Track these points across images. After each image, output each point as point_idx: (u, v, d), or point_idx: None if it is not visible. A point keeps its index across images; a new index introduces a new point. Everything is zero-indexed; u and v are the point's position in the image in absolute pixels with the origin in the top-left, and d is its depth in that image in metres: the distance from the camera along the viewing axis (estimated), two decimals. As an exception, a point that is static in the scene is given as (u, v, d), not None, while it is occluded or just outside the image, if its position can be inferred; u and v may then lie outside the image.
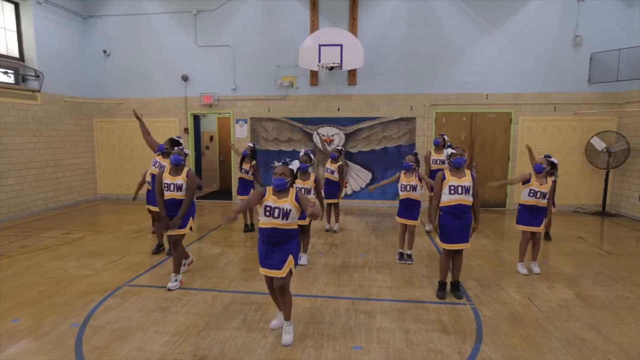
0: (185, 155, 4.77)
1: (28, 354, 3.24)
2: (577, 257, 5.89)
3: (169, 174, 4.61)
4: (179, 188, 4.55)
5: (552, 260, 5.76)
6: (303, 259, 5.50)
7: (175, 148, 4.81)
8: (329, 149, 8.11)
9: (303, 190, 5.34)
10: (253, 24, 9.80)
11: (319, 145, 9.95)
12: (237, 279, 4.95)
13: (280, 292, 3.43)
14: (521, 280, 4.96)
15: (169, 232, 4.58)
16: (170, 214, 4.57)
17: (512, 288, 4.69)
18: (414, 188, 5.45)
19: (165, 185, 4.57)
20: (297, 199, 3.35)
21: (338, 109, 9.86)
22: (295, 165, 3.52)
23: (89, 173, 10.54)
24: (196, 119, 11.57)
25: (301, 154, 5.55)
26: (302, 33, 9.54)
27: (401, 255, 5.72)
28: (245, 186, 7.19)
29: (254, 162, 7.19)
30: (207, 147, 12.87)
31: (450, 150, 4.44)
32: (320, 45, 9.02)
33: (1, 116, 8.02)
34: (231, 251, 6.10)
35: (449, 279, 4.54)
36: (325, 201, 7.42)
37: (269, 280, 3.50)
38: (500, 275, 5.14)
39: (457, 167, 4.32)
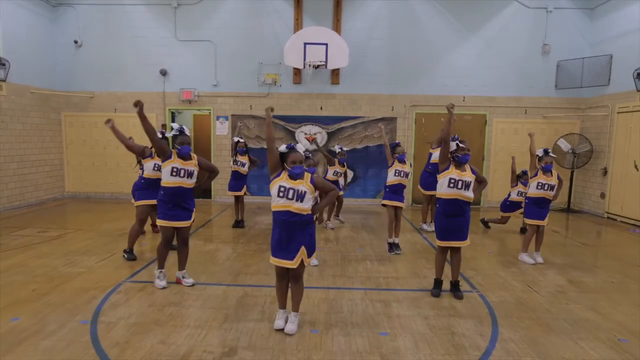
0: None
1: (41, 352, 3.00)
2: (558, 248, 6.28)
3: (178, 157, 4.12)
4: (190, 175, 4.14)
5: (537, 251, 6.10)
6: (313, 260, 5.14)
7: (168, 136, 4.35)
8: (316, 145, 8.21)
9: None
10: (236, 19, 9.66)
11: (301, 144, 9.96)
12: (242, 273, 4.84)
13: (293, 281, 3.40)
14: (515, 269, 5.22)
15: None
16: (179, 206, 4.16)
17: (510, 276, 4.93)
18: (407, 175, 5.74)
19: (175, 170, 4.06)
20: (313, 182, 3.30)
21: (321, 108, 9.92)
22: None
23: (57, 170, 9.91)
24: (171, 116, 11.19)
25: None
26: (285, 31, 9.52)
27: (390, 246, 5.80)
28: (237, 179, 7.06)
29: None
30: (181, 145, 12.46)
31: (457, 144, 4.40)
32: (305, 44, 9.04)
33: (-37, 106, 7.40)
34: (227, 247, 5.97)
35: (446, 277, 4.45)
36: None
37: (280, 269, 3.39)
38: (495, 265, 5.38)
39: (462, 162, 4.30)
